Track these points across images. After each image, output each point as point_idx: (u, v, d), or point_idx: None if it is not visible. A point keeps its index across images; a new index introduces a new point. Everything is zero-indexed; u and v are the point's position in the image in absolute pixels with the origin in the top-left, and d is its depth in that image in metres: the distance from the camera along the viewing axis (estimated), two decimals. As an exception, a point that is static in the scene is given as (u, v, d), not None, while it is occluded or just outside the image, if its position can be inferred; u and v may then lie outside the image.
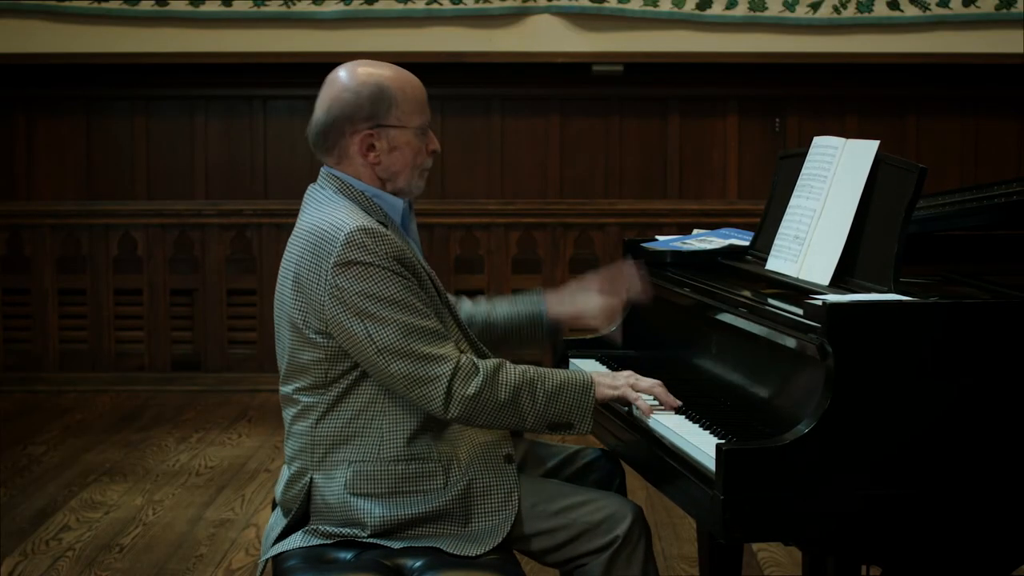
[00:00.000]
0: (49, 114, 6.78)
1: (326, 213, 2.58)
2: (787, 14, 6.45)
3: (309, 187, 2.69)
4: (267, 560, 2.64)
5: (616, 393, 2.63)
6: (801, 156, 2.83)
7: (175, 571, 4.01)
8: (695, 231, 3.30)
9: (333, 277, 2.49)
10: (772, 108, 6.71)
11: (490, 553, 2.54)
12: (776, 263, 2.79)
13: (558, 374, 2.59)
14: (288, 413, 2.65)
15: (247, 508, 4.61)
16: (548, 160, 6.76)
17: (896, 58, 6.48)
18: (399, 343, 2.48)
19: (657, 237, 3.34)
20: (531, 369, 2.57)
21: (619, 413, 2.73)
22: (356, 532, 2.56)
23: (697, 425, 2.54)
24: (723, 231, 3.25)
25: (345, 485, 2.56)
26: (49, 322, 6.63)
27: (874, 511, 2.26)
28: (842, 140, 2.73)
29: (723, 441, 2.36)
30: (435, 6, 6.48)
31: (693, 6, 6.45)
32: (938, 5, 6.42)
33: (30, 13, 6.51)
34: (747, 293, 2.72)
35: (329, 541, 2.57)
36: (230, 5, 6.49)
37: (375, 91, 2.60)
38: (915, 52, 6.46)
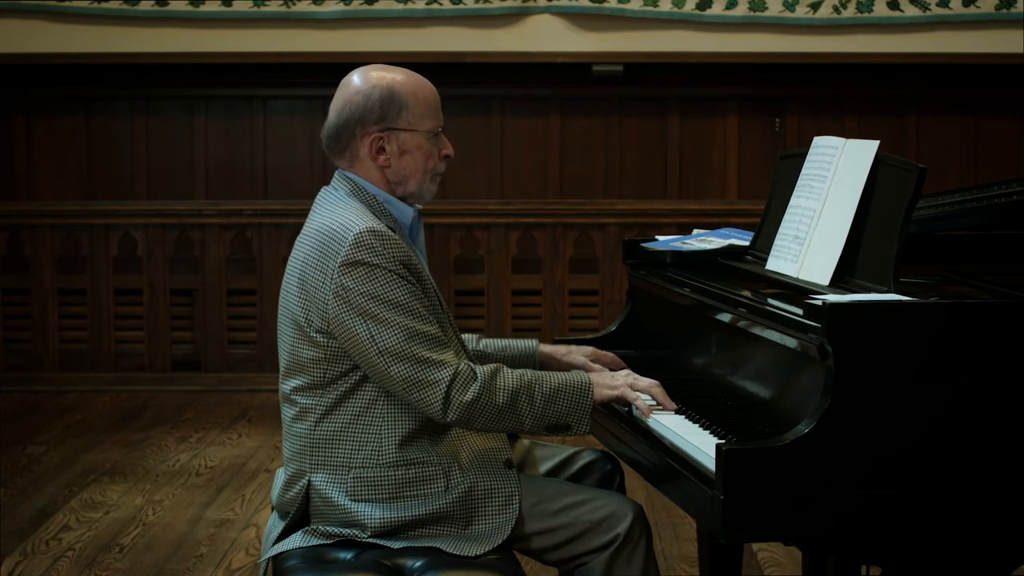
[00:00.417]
0: (49, 114, 6.78)
1: (337, 214, 2.58)
2: (787, 14, 6.45)
3: (322, 189, 2.69)
4: (267, 560, 2.64)
5: (614, 393, 2.64)
6: (801, 156, 2.84)
7: (175, 571, 4.01)
8: (695, 231, 3.30)
9: (339, 276, 2.50)
10: (772, 108, 6.71)
11: (490, 553, 2.54)
12: (776, 263, 2.79)
13: (556, 377, 2.60)
14: (287, 413, 2.66)
15: (247, 508, 4.61)
16: (548, 160, 6.76)
17: (896, 58, 6.48)
18: (400, 346, 2.49)
19: (657, 237, 3.34)
20: (528, 373, 2.58)
21: (619, 413, 2.73)
22: (355, 533, 2.57)
23: (697, 425, 2.54)
24: (723, 231, 3.25)
25: (346, 491, 2.56)
26: (49, 322, 6.63)
27: (874, 511, 2.26)
28: (842, 140, 2.73)
29: (723, 441, 2.36)
30: (435, 6, 6.48)
31: (693, 6, 6.45)
32: (938, 5, 6.42)
33: (30, 13, 6.51)
34: (747, 293, 2.72)
35: (329, 541, 2.58)
36: (230, 5, 6.49)
37: (386, 94, 2.61)
38: (915, 52, 6.46)
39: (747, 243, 3.06)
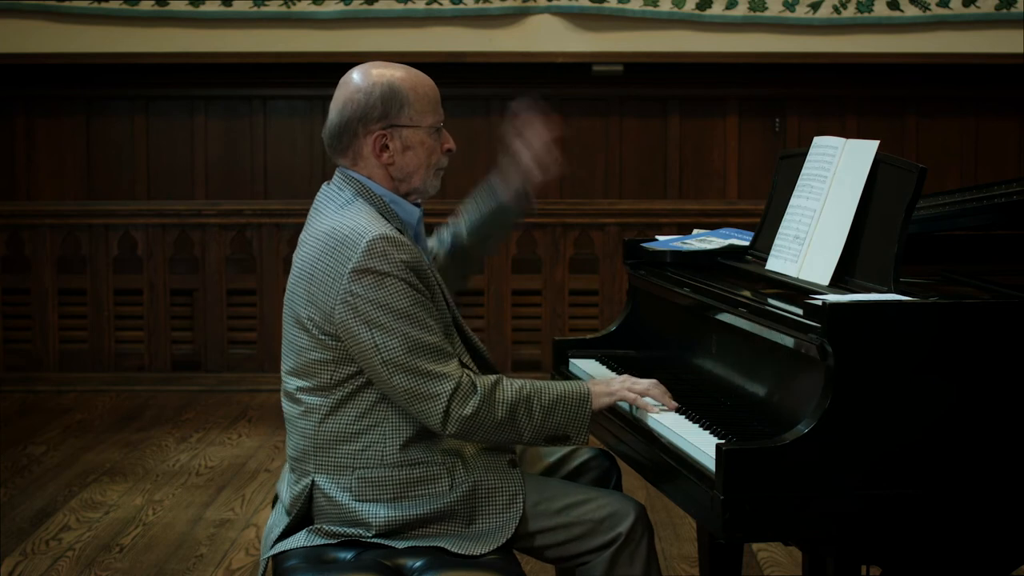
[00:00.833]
0: (49, 114, 6.78)
1: (348, 217, 2.57)
2: (787, 14, 6.45)
3: (323, 186, 2.68)
4: (268, 560, 2.64)
5: (613, 399, 2.65)
6: (801, 156, 2.84)
7: (175, 571, 4.01)
8: (695, 231, 3.30)
9: (348, 283, 2.50)
10: (772, 108, 6.71)
11: (491, 552, 2.54)
12: (776, 263, 2.79)
13: (554, 388, 2.60)
14: (291, 411, 2.65)
15: (247, 508, 4.61)
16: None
17: (896, 58, 6.48)
18: (404, 357, 2.49)
19: (657, 237, 3.34)
20: (528, 384, 2.58)
21: (619, 413, 2.73)
22: (360, 532, 2.57)
23: (697, 425, 2.54)
24: (723, 231, 3.25)
25: (350, 491, 2.56)
26: (49, 322, 6.63)
27: (874, 511, 2.26)
28: (842, 140, 2.73)
29: (723, 441, 2.36)
30: (435, 6, 6.48)
31: (693, 6, 6.45)
32: (938, 5, 6.42)
33: (30, 13, 6.51)
34: (747, 293, 2.72)
35: (330, 541, 2.58)
36: (230, 5, 6.49)
37: (387, 91, 2.60)
38: (915, 52, 6.46)
39: (747, 243, 3.06)
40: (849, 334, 2.26)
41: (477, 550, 2.54)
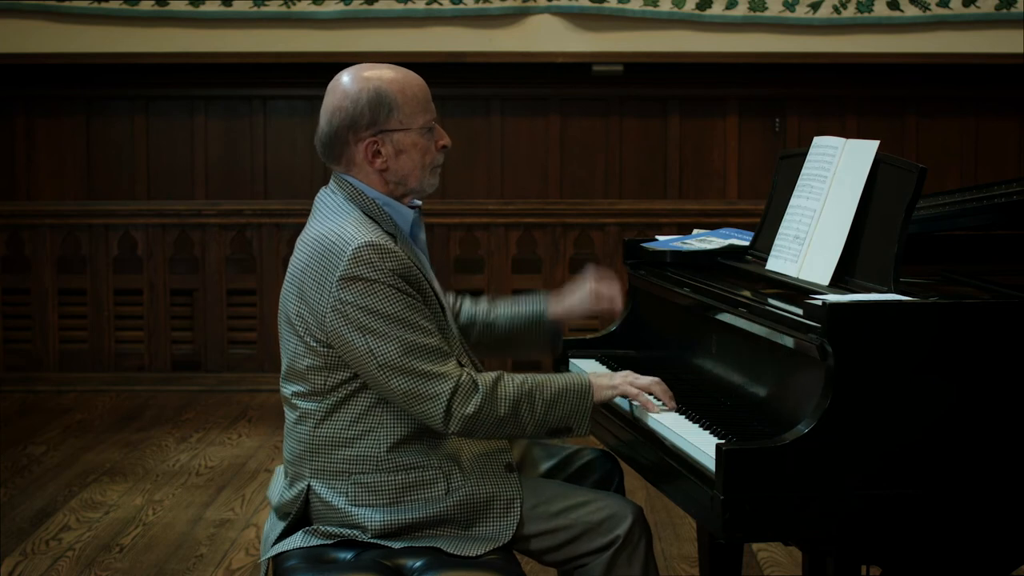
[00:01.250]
0: (49, 114, 6.78)
1: (336, 223, 2.56)
2: (787, 14, 6.45)
3: (320, 191, 2.68)
4: (267, 560, 2.64)
5: (615, 392, 2.64)
6: (801, 156, 2.84)
7: (175, 571, 4.01)
8: (695, 231, 3.30)
9: (337, 291, 2.49)
10: (772, 108, 6.71)
11: (490, 553, 2.54)
12: (776, 263, 2.79)
13: (556, 381, 2.59)
14: (288, 415, 2.66)
15: (247, 508, 4.61)
16: (548, 160, 6.76)
17: (896, 58, 6.48)
18: (399, 360, 2.49)
19: (657, 237, 3.34)
20: (529, 379, 2.58)
21: (619, 413, 2.73)
22: (356, 533, 2.57)
23: (697, 425, 2.54)
24: (723, 231, 3.25)
25: (346, 496, 2.56)
26: (49, 322, 6.63)
27: (874, 511, 2.26)
28: (842, 140, 2.73)
29: (723, 441, 2.36)
30: (435, 6, 6.48)
31: (693, 6, 6.45)
32: (938, 5, 6.42)
33: (30, 13, 6.51)
34: (747, 293, 2.72)
35: (329, 541, 2.57)
36: (230, 5, 6.49)
37: (374, 97, 2.58)
38: (915, 52, 6.45)
39: (747, 243, 3.06)
40: (849, 334, 2.26)
41: (474, 551, 2.53)
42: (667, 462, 2.48)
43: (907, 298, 2.35)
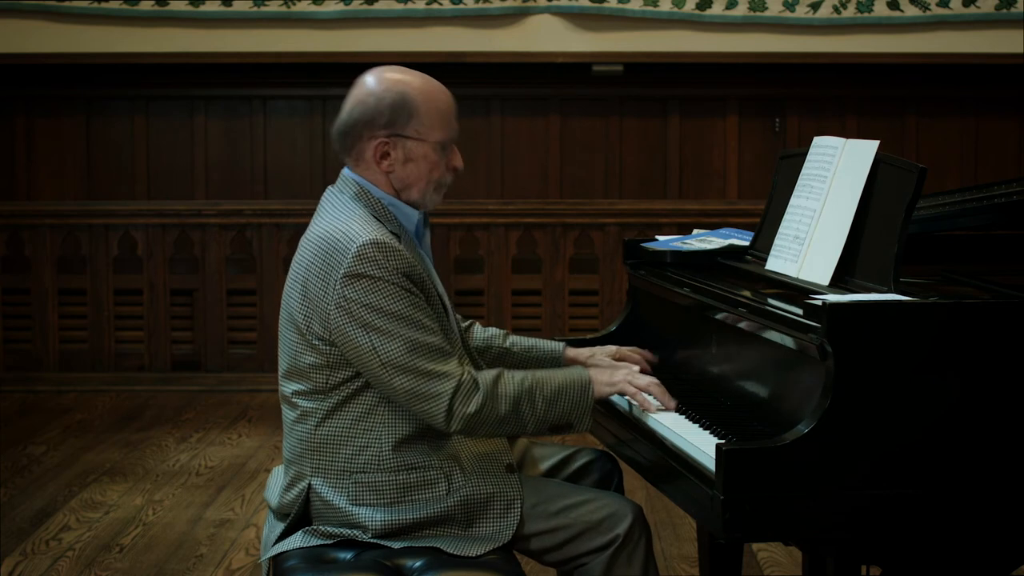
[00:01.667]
0: (49, 114, 6.78)
1: (342, 221, 2.56)
2: (787, 14, 6.45)
3: (327, 189, 2.68)
4: (268, 560, 2.64)
5: (614, 389, 2.64)
6: (801, 156, 2.84)
7: (175, 571, 4.01)
8: (695, 231, 3.30)
9: (341, 288, 2.49)
10: (772, 108, 6.71)
11: (490, 553, 2.54)
12: (776, 263, 2.79)
13: (556, 377, 2.59)
14: (288, 415, 2.66)
15: (247, 508, 4.61)
16: (548, 160, 6.76)
17: (896, 58, 6.48)
18: (403, 358, 2.48)
19: (657, 237, 3.34)
20: (529, 376, 2.57)
21: (619, 413, 2.73)
22: (357, 533, 2.57)
23: (697, 425, 2.54)
24: (723, 231, 3.25)
25: (347, 495, 2.56)
26: (49, 322, 6.63)
27: (874, 511, 2.26)
28: (842, 140, 2.73)
29: (723, 441, 2.36)
30: (435, 6, 6.48)
31: (693, 6, 6.45)
32: (938, 5, 6.42)
33: (30, 13, 6.51)
34: (747, 293, 2.72)
35: (329, 541, 2.57)
36: (230, 5, 6.49)
37: (397, 99, 2.58)
38: (915, 52, 6.46)
39: (747, 243, 3.06)
40: (849, 334, 2.26)
41: (474, 551, 2.53)
42: (667, 462, 2.48)
43: (907, 298, 2.35)
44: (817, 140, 2.80)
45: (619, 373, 2.66)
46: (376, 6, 6.48)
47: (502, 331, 3.00)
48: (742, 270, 2.93)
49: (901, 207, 2.49)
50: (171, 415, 6.04)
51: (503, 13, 6.49)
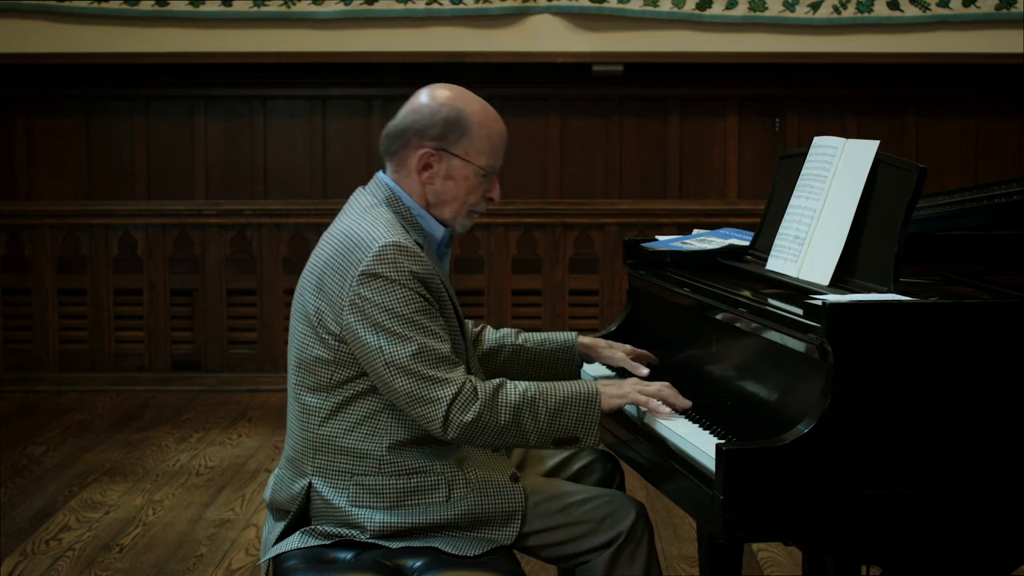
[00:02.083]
0: (49, 114, 6.78)
1: (367, 221, 2.57)
2: (787, 14, 6.45)
3: (357, 189, 2.68)
4: (268, 560, 2.64)
5: (624, 401, 2.62)
6: (801, 156, 2.84)
7: (175, 571, 4.01)
8: (695, 231, 3.30)
9: (357, 286, 2.50)
10: (772, 108, 6.71)
11: (490, 552, 2.54)
12: (776, 263, 2.79)
13: (561, 389, 2.57)
14: (292, 410, 2.66)
15: (247, 508, 4.61)
16: (548, 160, 6.76)
17: (896, 58, 6.48)
18: (407, 361, 2.48)
19: (657, 237, 3.34)
20: (533, 387, 2.56)
21: (619, 413, 2.72)
22: (356, 533, 2.57)
23: (697, 425, 2.54)
24: (723, 231, 3.25)
25: (348, 497, 2.56)
26: (49, 322, 6.63)
27: (874, 511, 2.26)
28: (842, 140, 2.73)
29: (723, 441, 2.36)
30: (435, 6, 6.48)
31: (693, 6, 6.45)
32: (938, 5, 6.42)
33: (30, 13, 6.51)
34: (747, 293, 2.72)
35: (329, 541, 2.57)
36: (230, 5, 6.49)
37: (454, 115, 2.59)
38: (915, 52, 6.46)
39: (747, 243, 3.06)
40: (849, 334, 2.26)
41: (475, 551, 2.53)
42: (667, 462, 2.48)
43: (907, 298, 2.35)
44: (817, 140, 2.80)
45: (627, 384, 2.64)
46: (376, 6, 6.48)
47: (514, 330, 3.00)
48: (742, 270, 2.93)
49: (901, 207, 2.49)
50: (171, 415, 6.04)
51: (503, 13, 6.49)
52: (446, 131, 2.59)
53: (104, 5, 6.49)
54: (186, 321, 6.66)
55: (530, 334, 3.00)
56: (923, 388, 2.27)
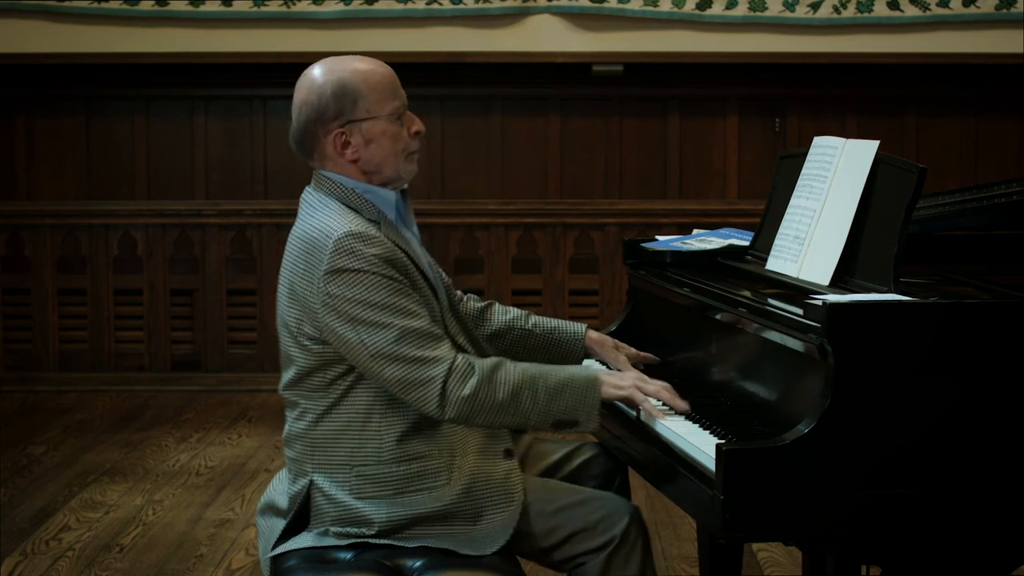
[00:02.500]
0: (49, 114, 6.78)
1: (318, 219, 2.57)
2: (787, 14, 6.45)
3: (304, 189, 2.68)
4: (268, 560, 2.64)
5: (622, 394, 2.60)
6: (801, 156, 2.84)
7: (175, 571, 4.01)
8: (695, 231, 3.30)
9: (324, 285, 2.49)
10: (772, 108, 6.71)
11: (490, 554, 2.54)
12: (776, 263, 2.79)
13: (562, 371, 2.57)
14: (288, 414, 2.66)
15: (247, 508, 4.61)
16: (548, 160, 6.76)
17: (896, 58, 6.48)
18: (391, 348, 2.47)
19: (657, 237, 3.34)
20: (533, 366, 2.55)
21: (618, 412, 2.72)
22: (361, 531, 2.56)
23: (697, 425, 2.54)
24: (723, 231, 3.25)
25: (350, 490, 2.56)
26: (49, 322, 6.63)
27: (874, 511, 2.26)
28: (842, 140, 2.73)
29: (723, 441, 2.36)
30: (435, 6, 6.48)
31: (693, 6, 6.45)
32: (938, 5, 6.42)
33: (30, 13, 6.51)
34: (747, 293, 2.72)
35: (329, 541, 2.57)
36: (230, 5, 6.49)
37: (338, 88, 2.58)
38: (915, 52, 6.46)
39: (747, 243, 3.06)
40: (849, 334, 2.26)
41: (475, 551, 2.53)
42: (667, 462, 2.48)
43: (907, 298, 2.35)
44: (817, 140, 2.80)
45: (628, 378, 2.63)
46: (376, 6, 6.48)
47: (524, 312, 2.98)
48: (742, 270, 2.93)
49: (901, 207, 2.49)
50: (171, 415, 6.04)
51: (503, 13, 6.49)
52: (340, 105, 2.58)
53: (104, 5, 6.49)
54: (186, 321, 6.66)
55: (540, 319, 2.98)
56: (923, 388, 2.27)
